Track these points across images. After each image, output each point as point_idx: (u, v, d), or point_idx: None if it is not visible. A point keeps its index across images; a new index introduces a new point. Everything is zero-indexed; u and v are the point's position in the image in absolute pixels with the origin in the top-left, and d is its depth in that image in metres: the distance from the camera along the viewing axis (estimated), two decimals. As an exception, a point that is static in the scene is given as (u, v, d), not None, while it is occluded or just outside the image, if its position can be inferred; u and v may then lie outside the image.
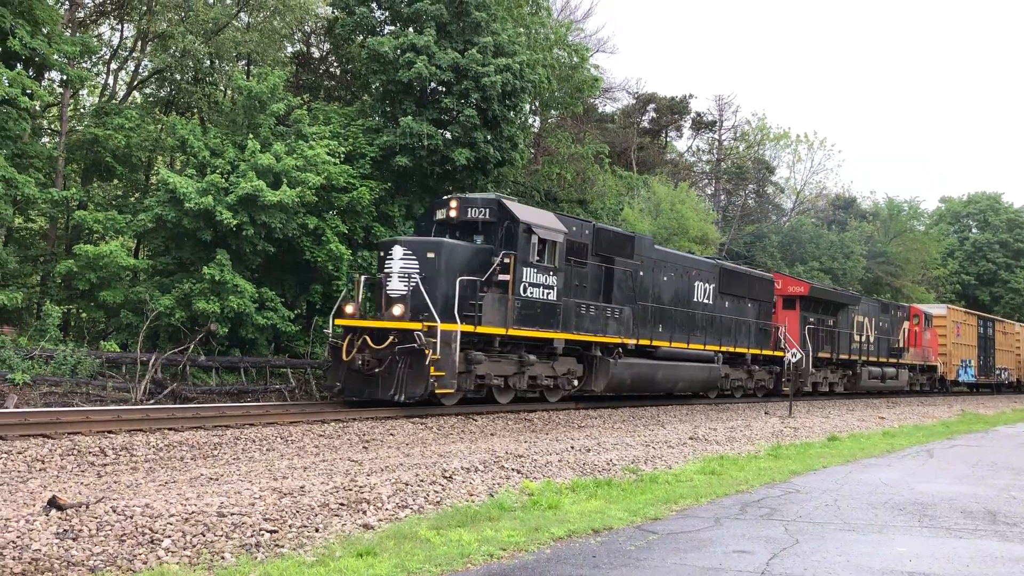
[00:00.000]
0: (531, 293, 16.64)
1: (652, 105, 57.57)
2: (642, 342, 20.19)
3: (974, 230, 71.27)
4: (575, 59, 34.12)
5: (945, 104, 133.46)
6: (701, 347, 22.86)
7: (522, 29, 29.67)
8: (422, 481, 8.61)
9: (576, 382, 18.98)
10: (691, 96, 63.65)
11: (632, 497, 8.77)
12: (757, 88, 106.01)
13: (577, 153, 35.35)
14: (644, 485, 9.54)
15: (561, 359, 18.20)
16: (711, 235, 40.47)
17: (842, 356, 31.13)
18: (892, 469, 12.19)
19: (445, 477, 8.97)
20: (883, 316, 35.67)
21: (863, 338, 33.03)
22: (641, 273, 20.52)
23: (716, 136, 59.14)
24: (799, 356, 25.29)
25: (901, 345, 36.50)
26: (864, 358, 32.84)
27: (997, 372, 48.36)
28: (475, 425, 15.16)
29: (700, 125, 59.80)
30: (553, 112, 36.71)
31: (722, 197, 56.43)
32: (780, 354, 26.26)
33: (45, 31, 19.82)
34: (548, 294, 17.08)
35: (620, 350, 19.48)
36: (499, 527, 7.02)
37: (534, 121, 36.22)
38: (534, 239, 16.58)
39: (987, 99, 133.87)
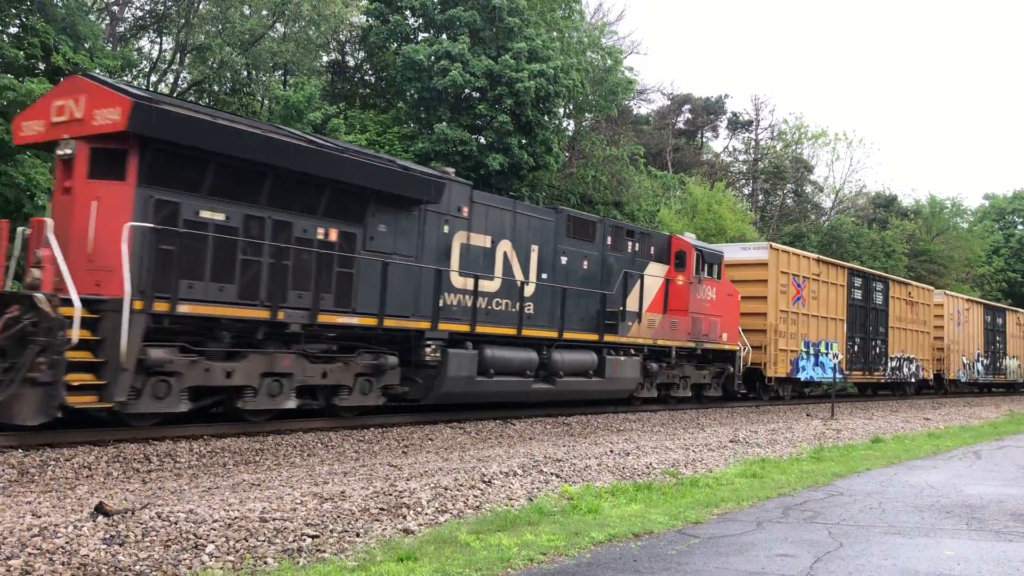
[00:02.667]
0: None
1: (687, 106, 57.43)
2: None
3: (1019, 226, 69.93)
4: (609, 62, 34.11)
5: (989, 99, 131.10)
6: None
7: (555, 34, 29.71)
8: (461, 486, 8.62)
9: None
10: (727, 96, 63.44)
11: (672, 501, 8.71)
12: (794, 86, 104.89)
13: (612, 155, 35.29)
14: (684, 489, 9.46)
15: None
16: (749, 235, 40.12)
17: (357, 319, 12.83)
18: (938, 471, 11.96)
19: (484, 481, 8.97)
20: (580, 246, 17.49)
21: (485, 284, 15.18)
22: None
23: (753, 136, 58.75)
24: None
25: (627, 307, 18.20)
26: (477, 329, 14.80)
27: (892, 364, 29.97)
28: (513, 429, 15.17)
29: (736, 125, 59.51)
30: (587, 115, 36.70)
31: (760, 197, 55.98)
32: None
33: (87, 46, 20.26)
34: None
35: None
36: (539, 531, 7.01)
37: (568, 124, 36.22)
38: None
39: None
